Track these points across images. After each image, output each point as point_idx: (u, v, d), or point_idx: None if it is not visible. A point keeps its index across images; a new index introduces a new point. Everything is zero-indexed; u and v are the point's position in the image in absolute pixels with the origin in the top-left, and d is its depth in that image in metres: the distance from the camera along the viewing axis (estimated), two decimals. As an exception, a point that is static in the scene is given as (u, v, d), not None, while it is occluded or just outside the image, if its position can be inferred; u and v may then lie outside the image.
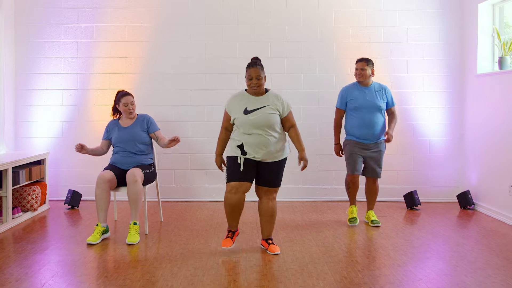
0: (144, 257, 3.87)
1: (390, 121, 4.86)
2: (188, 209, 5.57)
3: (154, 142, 4.74)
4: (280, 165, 3.90)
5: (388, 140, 4.74)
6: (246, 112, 3.79)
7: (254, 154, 3.78)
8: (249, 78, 3.80)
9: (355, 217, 4.84)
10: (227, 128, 3.95)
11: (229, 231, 4.00)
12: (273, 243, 3.97)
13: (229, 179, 3.84)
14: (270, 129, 3.79)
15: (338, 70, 5.96)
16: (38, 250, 4.01)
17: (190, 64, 5.97)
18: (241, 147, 3.81)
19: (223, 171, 3.99)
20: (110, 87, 5.90)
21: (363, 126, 4.69)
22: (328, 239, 4.36)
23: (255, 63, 3.80)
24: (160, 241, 4.31)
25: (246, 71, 3.83)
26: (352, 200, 4.91)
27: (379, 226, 4.77)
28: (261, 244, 4.05)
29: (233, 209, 3.86)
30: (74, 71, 5.95)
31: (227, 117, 3.92)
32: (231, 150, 3.90)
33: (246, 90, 3.92)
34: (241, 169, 3.78)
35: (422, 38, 5.97)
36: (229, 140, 3.96)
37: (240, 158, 3.79)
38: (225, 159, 4.00)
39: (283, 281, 3.36)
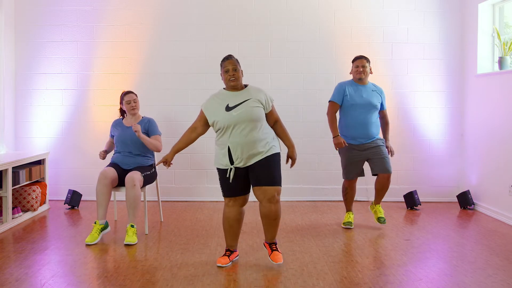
0: (144, 257, 3.87)
1: (384, 130, 4.80)
2: (188, 209, 5.57)
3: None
4: (271, 159, 3.54)
5: (391, 154, 4.73)
6: (228, 108, 3.51)
7: (242, 157, 3.49)
8: (226, 71, 3.57)
9: (351, 222, 4.77)
10: (196, 128, 3.67)
11: (227, 250, 3.74)
12: (276, 249, 3.65)
13: (223, 193, 3.64)
14: (256, 124, 3.51)
15: (338, 70, 5.96)
16: (38, 250, 4.01)
17: (190, 64, 5.97)
18: (228, 153, 3.52)
19: (166, 167, 3.68)
20: (110, 87, 5.91)
21: (358, 125, 4.58)
22: (328, 239, 4.36)
23: (229, 56, 3.63)
24: (160, 241, 4.31)
25: (221, 66, 3.62)
26: (349, 207, 4.83)
27: (384, 224, 4.70)
28: (264, 245, 3.78)
29: (231, 223, 3.64)
30: (74, 71, 5.95)
31: (200, 118, 3.66)
32: (218, 160, 3.60)
33: (224, 88, 3.69)
34: (231, 181, 3.53)
35: (422, 38, 5.97)
36: (215, 148, 3.64)
37: (231, 170, 3.52)
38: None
39: (283, 281, 3.36)
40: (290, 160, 3.73)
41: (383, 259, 3.84)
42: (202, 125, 3.67)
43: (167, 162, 3.67)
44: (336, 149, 4.69)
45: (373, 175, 4.74)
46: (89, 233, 4.38)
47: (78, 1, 5.92)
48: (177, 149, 3.70)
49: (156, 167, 4.84)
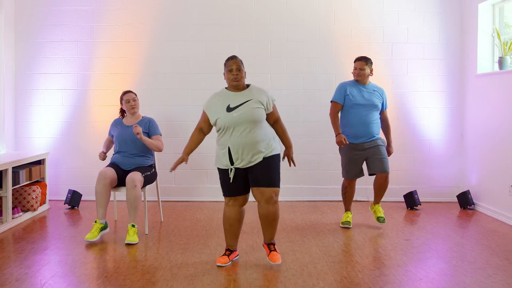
0: (144, 257, 3.87)
1: (386, 133, 4.81)
2: (188, 209, 5.57)
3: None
4: (271, 161, 3.57)
5: (389, 154, 4.76)
6: (229, 109, 3.53)
7: (243, 157, 3.52)
8: (229, 70, 3.57)
9: (349, 221, 4.77)
10: (202, 129, 3.69)
11: (226, 249, 3.76)
12: (275, 250, 3.67)
13: (224, 193, 3.67)
14: (257, 125, 3.53)
15: (338, 70, 5.96)
16: (38, 250, 4.01)
17: (190, 64, 5.97)
18: (228, 153, 3.54)
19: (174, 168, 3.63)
20: (110, 87, 5.91)
21: (359, 124, 4.59)
22: (328, 239, 4.36)
23: (234, 56, 3.64)
24: (160, 241, 4.31)
25: (225, 65, 3.62)
26: (347, 206, 4.83)
27: (383, 223, 4.70)
28: (262, 246, 3.80)
29: (231, 223, 3.66)
30: (74, 71, 5.95)
31: (204, 118, 3.67)
32: (219, 160, 3.62)
33: (226, 88, 3.69)
34: (231, 181, 3.56)
35: (422, 38, 5.97)
36: (216, 148, 3.66)
37: (231, 170, 3.55)
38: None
39: (283, 281, 3.36)
40: (286, 159, 3.77)
41: (383, 259, 3.84)
42: (207, 125, 3.69)
43: (185, 161, 3.66)
44: (341, 146, 4.67)
45: (370, 174, 4.76)
46: (89, 232, 4.39)
47: (78, 1, 5.92)
48: (190, 150, 3.71)
49: (156, 168, 4.84)
